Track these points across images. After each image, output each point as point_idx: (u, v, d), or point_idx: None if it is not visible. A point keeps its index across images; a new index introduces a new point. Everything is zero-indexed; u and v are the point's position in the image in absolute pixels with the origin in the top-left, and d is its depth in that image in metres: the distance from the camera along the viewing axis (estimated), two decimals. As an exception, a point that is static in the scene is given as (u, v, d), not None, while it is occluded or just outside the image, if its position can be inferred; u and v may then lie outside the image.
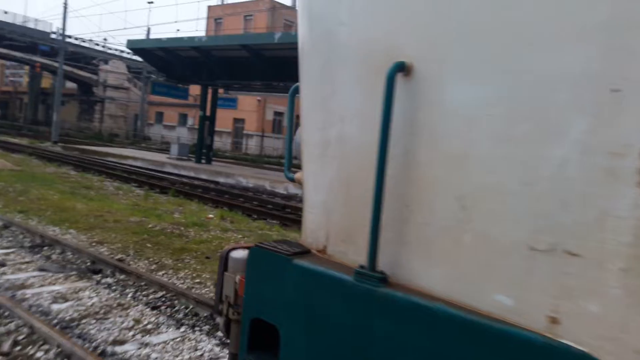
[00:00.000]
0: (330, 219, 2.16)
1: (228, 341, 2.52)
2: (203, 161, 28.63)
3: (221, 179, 23.90)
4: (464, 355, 1.60)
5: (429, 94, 1.76)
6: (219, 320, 2.46)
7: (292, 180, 2.69)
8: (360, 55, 1.98)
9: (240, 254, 2.38)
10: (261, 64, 22.35)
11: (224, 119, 44.41)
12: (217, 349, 5.85)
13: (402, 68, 1.79)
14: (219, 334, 6.32)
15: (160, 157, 31.36)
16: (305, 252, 2.15)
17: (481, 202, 1.64)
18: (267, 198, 18.87)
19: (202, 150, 28.79)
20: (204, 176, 24.56)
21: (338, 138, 2.10)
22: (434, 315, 1.66)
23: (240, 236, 11.12)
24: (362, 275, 1.85)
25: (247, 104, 48.35)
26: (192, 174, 25.09)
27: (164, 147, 43.40)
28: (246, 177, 23.76)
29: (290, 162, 2.60)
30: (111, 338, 5.89)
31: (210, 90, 28.05)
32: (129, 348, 5.70)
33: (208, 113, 28.58)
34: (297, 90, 2.51)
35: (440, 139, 1.73)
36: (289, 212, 15.89)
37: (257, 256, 2.18)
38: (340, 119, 2.07)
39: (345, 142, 2.06)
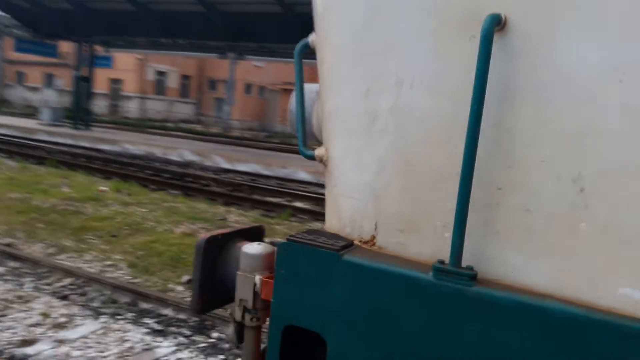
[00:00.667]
0: (380, 204, 1.81)
1: (240, 351, 2.11)
2: (81, 127, 26.08)
3: (105, 147, 21.97)
4: (589, 356, 1.39)
5: (533, 55, 1.47)
6: (229, 329, 2.03)
7: (311, 157, 2.27)
8: (428, 2, 1.62)
9: (257, 249, 1.96)
10: (147, 18, 20.52)
11: (98, 80, 40.69)
12: (148, 337, 5.29)
13: (498, 22, 1.48)
14: (147, 320, 5.73)
15: (29, 123, 27.97)
16: (348, 244, 1.80)
17: (604, 185, 1.41)
18: (161, 166, 17.71)
19: (79, 114, 26.18)
20: (84, 144, 22.41)
21: (392, 108, 1.74)
22: (548, 315, 1.43)
23: (145, 210, 10.25)
24: (445, 272, 1.56)
25: (125, 62, 44.67)
26: (70, 142, 22.75)
27: (30, 112, 38.89)
28: (134, 144, 22.08)
29: (305, 137, 2.19)
30: (17, 339, 5.06)
31: (86, 48, 25.36)
32: (43, 348, 4.94)
33: (84, 74, 25.91)
34: (306, 47, 2.08)
35: (550, 111, 1.46)
36: (190, 181, 15.04)
37: (291, 252, 1.78)
38: (396, 84, 1.71)
39: (403, 112, 1.71)
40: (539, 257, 1.51)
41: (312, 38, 2.02)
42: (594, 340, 1.39)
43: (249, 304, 1.95)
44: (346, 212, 1.91)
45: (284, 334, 1.82)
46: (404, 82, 1.70)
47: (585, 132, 1.42)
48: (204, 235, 2.15)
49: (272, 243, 2.04)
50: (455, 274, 1.54)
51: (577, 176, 1.44)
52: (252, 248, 1.98)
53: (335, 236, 1.88)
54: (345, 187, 1.92)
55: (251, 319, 1.97)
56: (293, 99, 2.26)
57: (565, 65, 1.43)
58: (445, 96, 1.61)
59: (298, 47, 2.09)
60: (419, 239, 1.71)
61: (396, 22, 1.69)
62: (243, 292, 1.96)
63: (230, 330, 2.06)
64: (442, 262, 1.58)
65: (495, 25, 1.47)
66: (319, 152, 2.04)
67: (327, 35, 1.92)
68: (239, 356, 2.18)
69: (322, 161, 2.03)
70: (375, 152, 1.79)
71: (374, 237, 1.84)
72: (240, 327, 2.03)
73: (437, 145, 1.65)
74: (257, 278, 1.93)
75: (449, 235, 1.58)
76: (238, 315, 1.99)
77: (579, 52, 1.41)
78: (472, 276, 1.53)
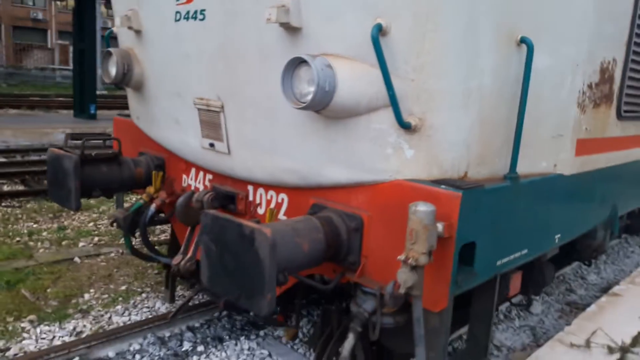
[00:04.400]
0: (470, 152, 2.76)
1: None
2: None
3: None
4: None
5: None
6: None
7: (408, 127, 2.59)
8: (494, 29, 2.73)
9: (429, 206, 2.41)
10: None
11: None
12: None
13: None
14: None
15: None
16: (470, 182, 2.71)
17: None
18: None
19: None
20: None
21: (478, 88, 2.73)
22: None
23: None
24: (512, 178, 2.93)
25: None
26: None
27: None
28: None
29: (399, 110, 2.53)
30: None
31: None
32: None
33: None
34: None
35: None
36: None
37: (473, 197, 2.54)
38: (480, 73, 2.71)
39: (484, 92, 2.76)
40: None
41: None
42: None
43: (433, 247, 2.48)
44: (448, 162, 2.76)
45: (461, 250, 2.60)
46: (484, 73, 2.76)
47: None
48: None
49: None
50: (514, 178, 2.96)
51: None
52: (424, 206, 2.45)
53: (448, 180, 2.71)
54: (448, 144, 2.74)
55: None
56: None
57: None
58: (505, 81, 2.86)
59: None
60: (486, 168, 2.92)
61: (480, 38, 2.70)
62: (431, 240, 2.45)
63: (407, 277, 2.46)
64: (505, 176, 2.94)
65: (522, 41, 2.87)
66: (414, 122, 2.66)
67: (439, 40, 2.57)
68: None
69: (416, 129, 2.68)
70: (468, 118, 2.76)
71: (466, 173, 2.84)
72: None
73: (501, 110, 2.88)
74: (440, 225, 2.49)
75: (504, 163, 2.95)
76: (423, 261, 2.45)
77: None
78: (516, 177, 3.00)
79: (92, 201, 8.66)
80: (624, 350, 4.11)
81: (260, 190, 3.59)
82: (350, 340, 2.89)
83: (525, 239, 3.26)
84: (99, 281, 5.54)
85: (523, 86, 2.87)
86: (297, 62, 2.70)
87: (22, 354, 4.13)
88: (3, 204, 8.34)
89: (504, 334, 5.20)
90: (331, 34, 2.73)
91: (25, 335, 4.43)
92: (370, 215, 2.89)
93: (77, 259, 6.03)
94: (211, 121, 3.60)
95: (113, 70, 4.12)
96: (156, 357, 4.37)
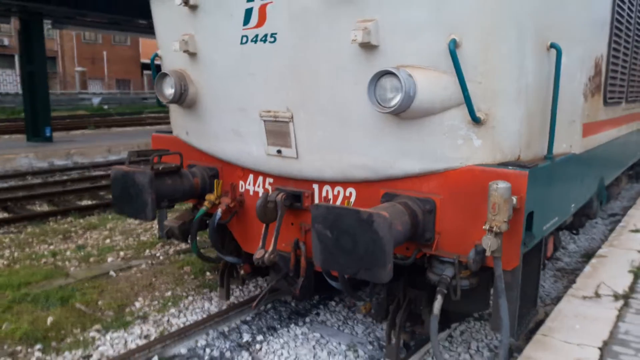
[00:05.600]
0: (521, 138, 3.41)
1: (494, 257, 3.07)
2: None
3: None
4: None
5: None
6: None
7: (478, 121, 3.18)
8: (534, 38, 3.40)
9: (507, 184, 3.03)
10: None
11: None
12: None
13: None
14: None
15: None
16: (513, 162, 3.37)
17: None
18: None
19: None
20: None
21: (526, 87, 3.38)
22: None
23: None
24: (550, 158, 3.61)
25: None
26: None
27: None
28: None
29: (473, 108, 3.15)
30: None
31: None
32: None
33: None
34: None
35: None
36: None
37: (534, 174, 3.18)
38: (527, 74, 3.37)
39: (531, 91, 3.42)
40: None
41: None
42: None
43: (509, 216, 3.10)
44: (508, 148, 3.40)
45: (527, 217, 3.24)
46: (528, 74, 3.42)
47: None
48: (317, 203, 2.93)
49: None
50: (552, 158, 3.65)
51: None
52: (502, 183, 3.06)
53: (508, 163, 3.35)
54: (506, 133, 3.37)
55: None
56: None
57: None
58: (544, 80, 3.53)
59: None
60: (531, 151, 3.58)
61: (527, 46, 3.36)
62: (510, 210, 3.07)
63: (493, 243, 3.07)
64: (545, 157, 3.62)
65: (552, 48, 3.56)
66: (482, 116, 3.28)
67: (499, 49, 3.20)
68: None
69: (483, 122, 3.30)
70: (520, 111, 3.41)
71: (519, 157, 3.49)
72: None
73: (541, 105, 3.55)
74: (514, 199, 3.11)
75: (542, 146, 3.63)
76: (504, 228, 3.07)
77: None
78: (553, 157, 3.68)
79: (96, 220, 8.80)
80: (626, 297, 4.93)
81: (327, 187, 4.10)
82: (439, 301, 3.46)
83: (556, 209, 3.96)
84: (143, 290, 5.84)
85: (555, 83, 3.56)
86: (382, 74, 3.26)
87: (105, 358, 4.44)
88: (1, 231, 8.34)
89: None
90: (407, 49, 3.30)
91: (98, 342, 4.72)
92: (442, 198, 3.48)
93: (112, 273, 6.27)
94: (279, 130, 4.08)
95: (170, 91, 4.49)
96: (224, 349, 4.78)
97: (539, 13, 3.43)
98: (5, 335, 4.75)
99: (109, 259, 6.77)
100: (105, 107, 39.17)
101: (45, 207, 10.10)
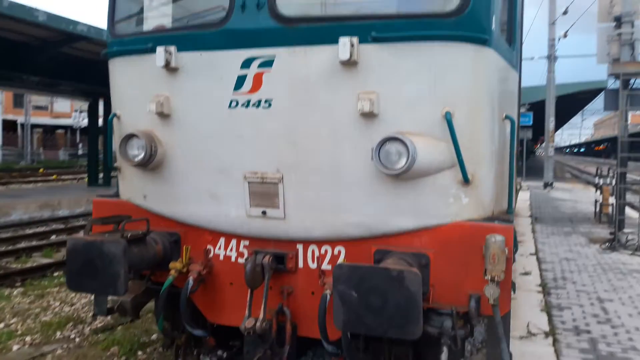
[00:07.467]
0: (493, 196, 3.92)
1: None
2: None
3: None
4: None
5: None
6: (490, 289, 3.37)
7: (468, 181, 3.54)
8: (498, 112, 4.00)
9: (501, 237, 3.44)
10: None
11: None
12: None
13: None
14: None
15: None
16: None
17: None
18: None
19: None
20: None
21: (497, 151, 3.93)
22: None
23: None
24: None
25: None
26: None
27: None
28: None
29: (465, 170, 3.50)
30: None
31: None
32: None
33: None
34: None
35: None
36: None
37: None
38: (496, 142, 3.92)
39: (499, 153, 3.97)
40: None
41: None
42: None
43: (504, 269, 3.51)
44: (487, 204, 3.89)
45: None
46: (496, 140, 4.00)
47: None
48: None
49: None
50: (512, 211, 4.22)
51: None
52: (497, 237, 3.48)
53: (496, 216, 3.83)
54: (485, 191, 3.86)
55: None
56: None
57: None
58: (501, 144, 4.13)
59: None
60: (498, 206, 4.11)
61: (496, 117, 3.95)
62: (505, 260, 3.48)
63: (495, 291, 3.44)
64: (507, 211, 4.19)
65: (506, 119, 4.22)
66: (470, 177, 3.73)
67: (482, 120, 3.72)
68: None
69: (470, 182, 3.75)
70: (493, 171, 3.94)
71: (493, 211, 3.98)
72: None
73: (503, 163, 4.13)
74: (506, 249, 3.54)
75: (504, 202, 4.20)
76: (502, 277, 3.46)
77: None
78: (513, 209, 4.26)
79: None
80: (553, 333, 5.66)
81: (312, 247, 4.18)
82: (445, 353, 3.67)
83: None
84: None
85: (510, 147, 4.20)
86: (387, 139, 3.56)
87: None
88: None
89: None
90: (406, 118, 3.67)
91: None
92: (435, 252, 3.81)
93: (25, 363, 5.41)
94: (265, 192, 4.10)
95: (139, 152, 4.27)
96: None
97: (498, 90, 4.06)
98: None
99: (14, 347, 5.83)
100: None
101: None
